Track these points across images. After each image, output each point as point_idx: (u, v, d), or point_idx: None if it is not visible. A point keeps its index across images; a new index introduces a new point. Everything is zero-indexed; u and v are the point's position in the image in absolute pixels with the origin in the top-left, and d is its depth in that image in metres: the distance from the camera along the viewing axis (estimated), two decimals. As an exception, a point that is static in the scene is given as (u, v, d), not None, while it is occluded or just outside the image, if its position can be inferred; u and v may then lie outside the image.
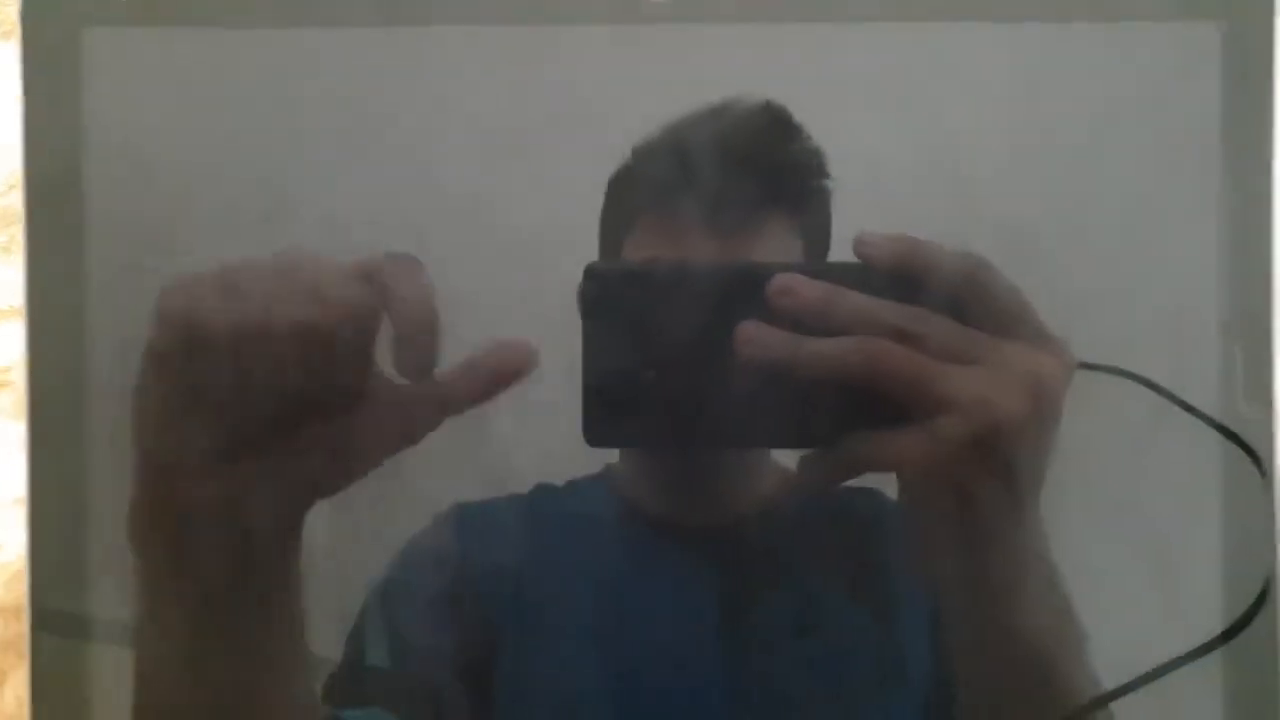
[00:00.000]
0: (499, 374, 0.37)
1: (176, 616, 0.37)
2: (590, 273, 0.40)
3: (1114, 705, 0.42)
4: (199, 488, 0.35)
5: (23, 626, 0.49)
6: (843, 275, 0.38)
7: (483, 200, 0.46)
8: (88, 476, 0.48)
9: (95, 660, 0.49)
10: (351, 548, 0.44)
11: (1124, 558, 0.47)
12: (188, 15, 0.48)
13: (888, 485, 0.41)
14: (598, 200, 0.49)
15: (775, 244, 0.49)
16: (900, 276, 0.39)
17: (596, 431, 0.40)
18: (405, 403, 0.36)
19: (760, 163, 0.49)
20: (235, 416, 0.34)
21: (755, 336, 0.38)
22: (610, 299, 0.40)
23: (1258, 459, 0.45)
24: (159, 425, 0.35)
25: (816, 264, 0.49)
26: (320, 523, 0.38)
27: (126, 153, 0.48)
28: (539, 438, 0.38)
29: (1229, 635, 0.42)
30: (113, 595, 0.48)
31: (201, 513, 0.35)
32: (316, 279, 0.34)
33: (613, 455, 0.54)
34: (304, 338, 0.33)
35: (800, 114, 0.48)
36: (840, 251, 0.41)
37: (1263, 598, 0.42)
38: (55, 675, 0.49)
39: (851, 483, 0.40)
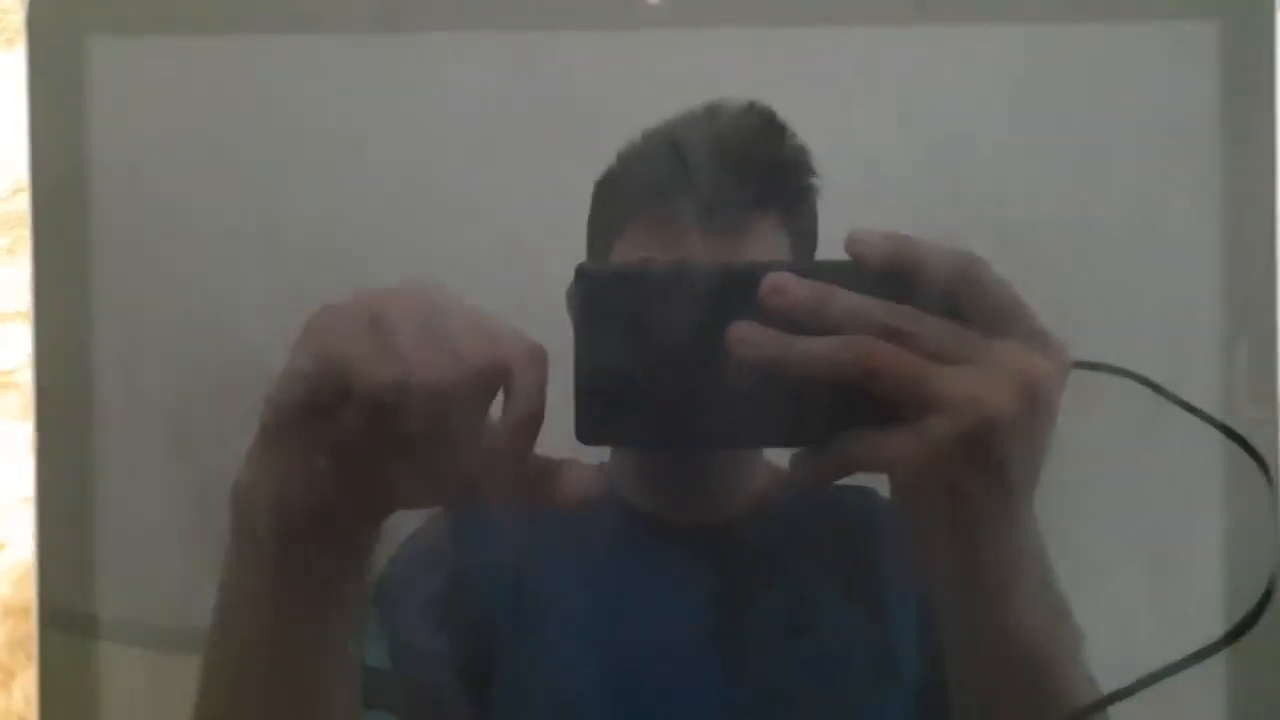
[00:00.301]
0: (566, 498, 0.39)
1: (260, 587, 0.39)
2: (581, 273, 0.40)
3: (1114, 707, 0.41)
4: (306, 486, 0.37)
5: (31, 626, 0.49)
6: (834, 274, 0.38)
7: (477, 202, 0.47)
8: (95, 476, 0.49)
9: (104, 659, 0.49)
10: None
11: (1125, 559, 0.46)
12: (190, 23, 0.48)
13: (880, 484, 0.41)
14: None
15: (763, 243, 0.49)
16: (892, 274, 0.38)
17: (589, 430, 0.40)
18: (499, 470, 0.38)
19: (747, 163, 0.49)
20: (354, 436, 0.36)
21: (747, 336, 0.38)
22: (601, 299, 0.40)
23: (1262, 460, 0.44)
24: (286, 430, 0.37)
25: (808, 263, 0.48)
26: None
27: (131, 157, 0.48)
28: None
29: (1232, 637, 0.41)
30: (121, 594, 0.49)
31: (302, 503, 0.37)
32: (458, 339, 0.36)
33: (605, 454, 0.53)
34: (436, 392, 0.35)
35: (796, 116, 0.48)
36: (830, 250, 0.41)
37: (1266, 599, 0.42)
38: (64, 674, 0.49)
39: (845, 481, 0.40)
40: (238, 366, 0.45)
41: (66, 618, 0.49)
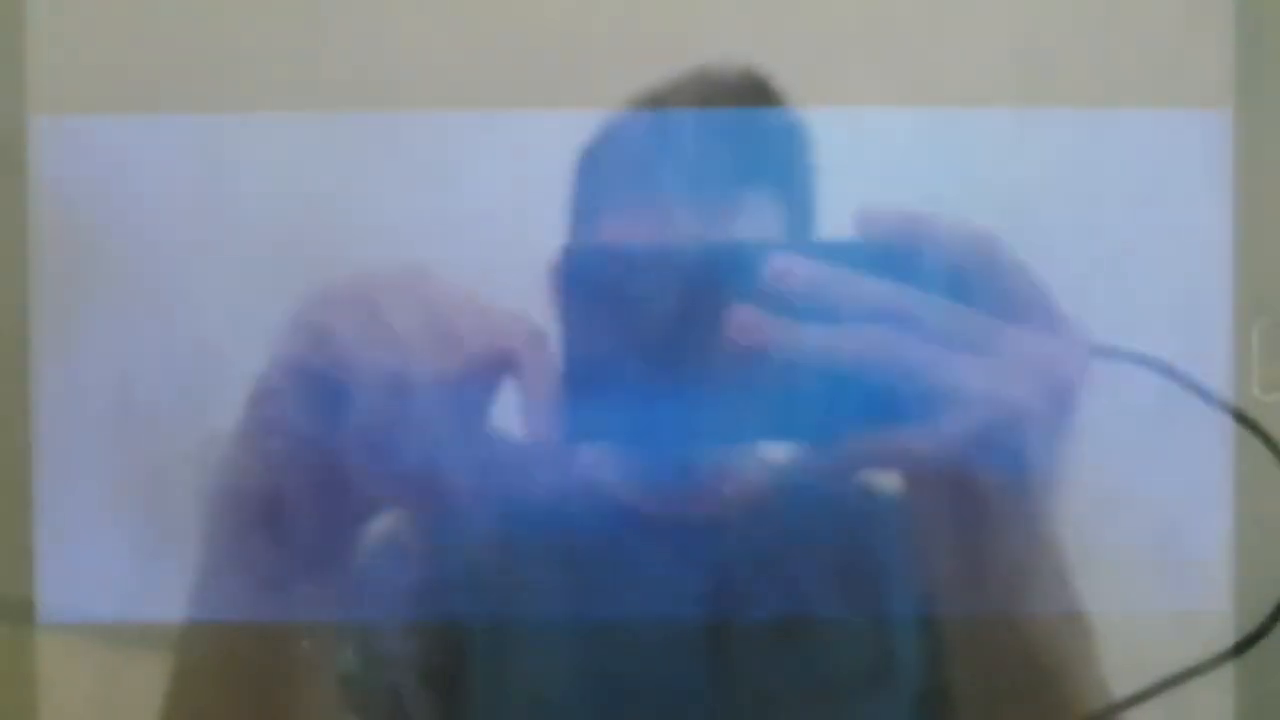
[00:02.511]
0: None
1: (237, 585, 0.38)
2: (568, 254, 0.38)
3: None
4: (290, 476, 0.36)
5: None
6: (842, 254, 0.36)
7: (443, 171, 0.44)
8: (34, 461, 0.46)
9: (42, 647, 0.47)
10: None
11: (1132, 552, 0.45)
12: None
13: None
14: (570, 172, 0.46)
15: (756, 219, 0.47)
16: (903, 256, 0.36)
17: (579, 428, 0.37)
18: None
19: (738, 135, 0.47)
20: (350, 427, 0.35)
21: (749, 323, 0.36)
22: (590, 282, 0.37)
23: (1276, 448, 0.43)
24: (275, 422, 0.36)
25: (814, 242, 0.46)
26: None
27: (77, 111, 0.45)
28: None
29: (1245, 646, 0.40)
30: (61, 583, 0.46)
31: (288, 503, 0.37)
32: (459, 325, 0.35)
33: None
34: (438, 380, 0.35)
35: (788, 77, 0.46)
36: (829, 227, 0.39)
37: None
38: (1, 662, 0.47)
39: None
40: (187, 345, 0.43)
41: (4, 605, 0.47)
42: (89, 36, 0.44)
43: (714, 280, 0.37)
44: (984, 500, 0.36)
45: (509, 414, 0.36)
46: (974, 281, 0.36)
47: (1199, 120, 0.46)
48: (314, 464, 0.36)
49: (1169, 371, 0.40)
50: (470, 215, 0.44)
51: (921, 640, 0.49)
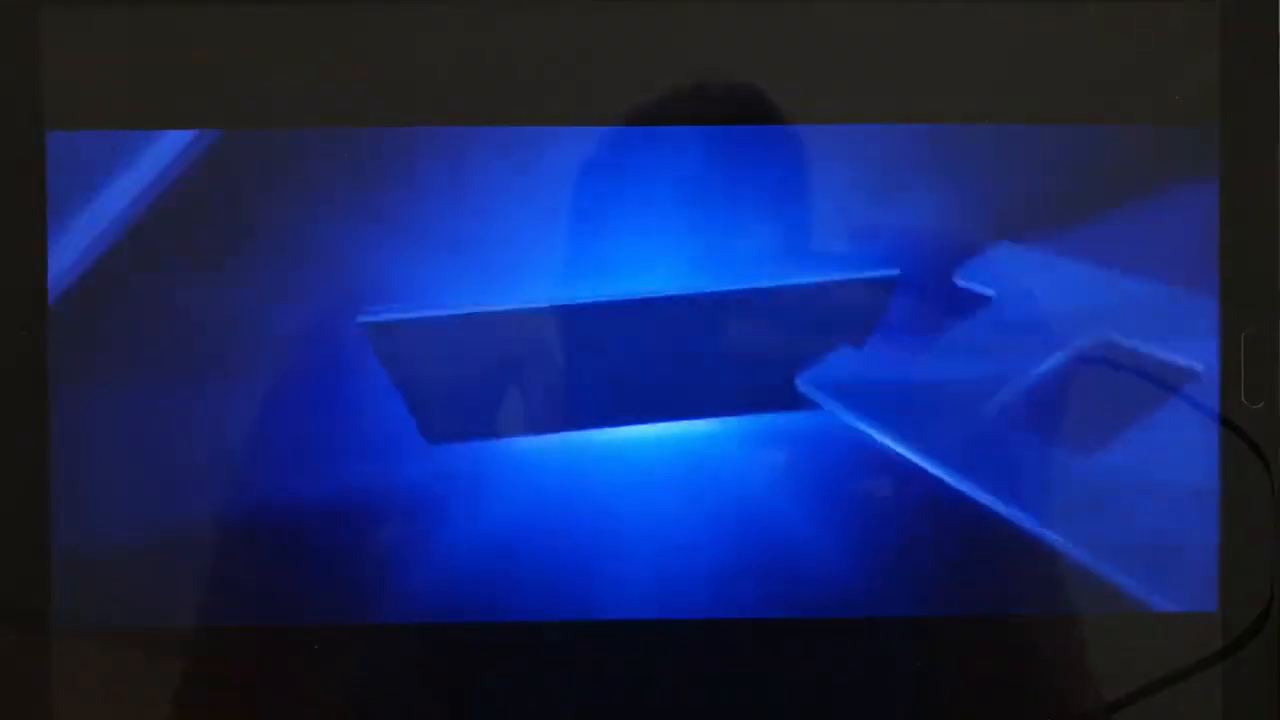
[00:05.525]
0: None
1: None
2: (568, 259, 0.38)
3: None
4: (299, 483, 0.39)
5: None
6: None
7: (452, 186, 0.45)
8: (49, 466, 0.46)
9: (56, 652, 0.47)
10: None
11: (1120, 556, 0.46)
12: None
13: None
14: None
15: (753, 235, 0.47)
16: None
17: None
18: None
19: (736, 151, 0.47)
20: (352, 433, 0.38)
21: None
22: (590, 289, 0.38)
23: (1262, 454, 0.43)
24: (281, 427, 0.39)
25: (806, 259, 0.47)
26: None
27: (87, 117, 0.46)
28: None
29: (1229, 651, 0.41)
30: (77, 590, 0.47)
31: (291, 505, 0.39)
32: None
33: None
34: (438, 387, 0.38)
35: (781, 93, 0.46)
36: (824, 242, 0.40)
37: (1265, 617, 0.42)
38: (15, 671, 0.47)
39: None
40: (200, 358, 0.43)
41: (19, 614, 0.47)
42: (105, 53, 0.45)
43: (713, 288, 0.37)
44: (975, 505, 0.37)
45: (511, 415, 0.36)
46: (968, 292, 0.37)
47: (1187, 135, 0.47)
48: (322, 470, 0.36)
49: (1158, 379, 0.41)
50: (472, 228, 0.44)
51: (913, 641, 0.50)
